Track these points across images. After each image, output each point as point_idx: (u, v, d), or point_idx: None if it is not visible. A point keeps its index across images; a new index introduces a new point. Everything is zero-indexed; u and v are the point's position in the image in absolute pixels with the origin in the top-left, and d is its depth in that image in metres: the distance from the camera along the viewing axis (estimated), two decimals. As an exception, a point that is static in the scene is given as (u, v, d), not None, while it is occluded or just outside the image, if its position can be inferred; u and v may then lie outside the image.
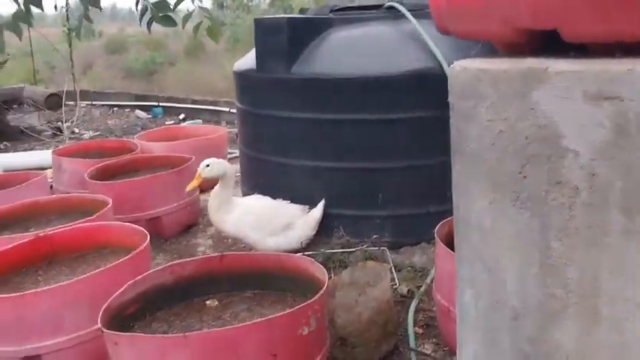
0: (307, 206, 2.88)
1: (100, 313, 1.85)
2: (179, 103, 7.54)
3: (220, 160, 2.90)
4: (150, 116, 7.47)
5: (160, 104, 7.66)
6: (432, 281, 2.68)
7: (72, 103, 6.88)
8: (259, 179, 3.12)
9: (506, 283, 0.96)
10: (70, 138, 6.13)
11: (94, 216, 2.72)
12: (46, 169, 4.84)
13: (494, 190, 0.94)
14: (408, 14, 2.81)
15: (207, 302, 2.18)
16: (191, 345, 1.66)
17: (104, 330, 1.78)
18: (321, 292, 1.86)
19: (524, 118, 0.87)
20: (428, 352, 2.23)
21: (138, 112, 7.63)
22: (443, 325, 2.28)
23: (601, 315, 0.86)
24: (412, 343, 2.25)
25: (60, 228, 2.58)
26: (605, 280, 0.85)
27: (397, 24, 2.91)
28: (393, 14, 2.97)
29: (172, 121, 7.13)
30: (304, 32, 2.82)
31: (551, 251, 0.89)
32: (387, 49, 2.77)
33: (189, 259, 2.23)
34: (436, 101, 2.73)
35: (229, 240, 3.31)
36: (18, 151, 5.85)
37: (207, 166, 2.83)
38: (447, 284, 2.20)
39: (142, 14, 1.56)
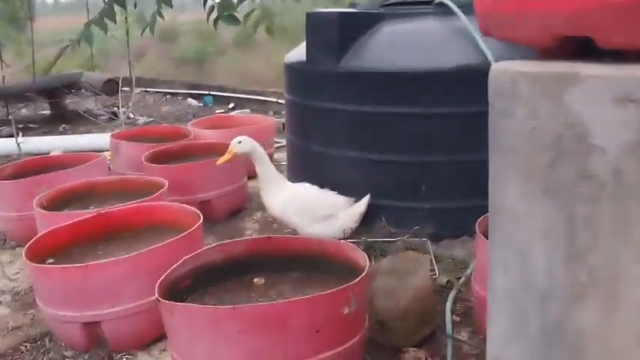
0: (353, 199, 2.95)
1: (157, 284, 2.00)
2: (229, 92, 7.73)
3: (250, 139, 3.02)
4: (201, 104, 7.69)
5: (211, 93, 7.87)
6: (471, 273, 2.75)
7: (127, 89, 7.16)
8: (306, 168, 3.23)
9: (535, 267, 1.04)
10: (125, 123, 6.39)
11: (151, 197, 2.89)
12: (103, 151, 5.09)
13: (527, 181, 1.02)
14: (458, 10, 2.87)
15: (255, 280, 2.31)
16: (240, 317, 1.79)
17: (160, 300, 1.93)
18: (362, 275, 1.96)
19: (556, 116, 0.95)
20: (464, 339, 2.31)
21: (190, 100, 7.86)
22: (479, 314, 2.36)
23: (621, 300, 0.94)
24: (449, 329, 2.34)
25: (119, 207, 2.76)
26: (626, 267, 0.92)
27: (446, 20, 2.97)
28: (442, 10, 3.03)
29: (222, 110, 7.33)
30: (354, 26, 2.91)
31: (577, 239, 0.97)
32: (436, 44, 2.84)
33: (239, 239, 2.36)
34: (483, 97, 2.80)
35: (275, 225, 3.45)
36: (77, 133, 6.14)
37: (240, 142, 2.99)
38: (486, 275, 2.27)
39: (209, 13, 1.67)
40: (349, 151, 3.00)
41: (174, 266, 2.12)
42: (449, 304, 2.50)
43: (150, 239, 2.69)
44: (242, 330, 1.80)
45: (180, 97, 8.16)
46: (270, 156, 4.66)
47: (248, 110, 7.03)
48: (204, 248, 2.27)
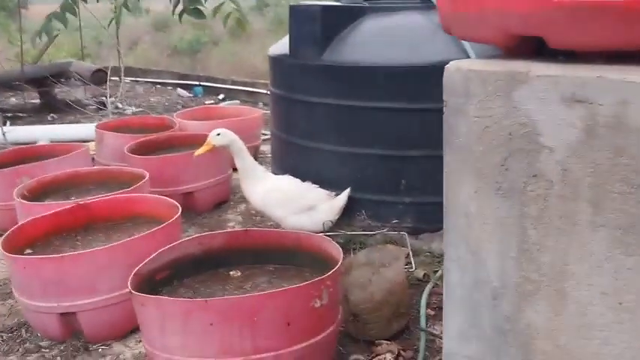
0: (334, 193, 2.96)
1: (131, 276, 2.01)
2: (219, 83, 7.70)
3: (229, 131, 3.02)
4: (191, 95, 7.66)
5: (201, 84, 7.84)
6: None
7: (116, 78, 7.13)
8: (289, 161, 3.24)
9: (488, 265, 1.05)
10: (113, 113, 6.36)
11: (131, 188, 2.89)
12: (89, 141, 5.08)
13: (479, 179, 1.03)
14: (439, 6, 2.87)
15: (231, 273, 2.32)
16: (211, 309, 1.80)
17: (132, 292, 1.93)
18: (335, 269, 1.97)
19: (507, 116, 0.96)
20: (437, 332, 2.33)
21: (179, 90, 7.83)
22: (453, 309, 2.38)
23: (568, 297, 0.95)
24: (423, 323, 2.35)
25: (97, 197, 2.76)
26: (573, 266, 0.93)
27: (429, 14, 2.96)
28: (425, 5, 3.03)
29: (212, 101, 7.30)
30: (337, 20, 2.91)
31: (527, 237, 0.98)
32: (418, 39, 2.84)
33: (216, 232, 2.37)
34: (462, 92, 2.82)
35: (258, 217, 3.45)
36: (64, 123, 6.11)
37: (218, 134, 2.99)
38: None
39: (175, 5, 1.66)
40: (331, 145, 3.00)
41: (149, 258, 2.12)
42: (424, 298, 2.52)
43: (128, 230, 2.70)
44: (214, 322, 1.81)
45: (169, 87, 8.13)
46: (257, 148, 4.68)
47: (237, 101, 7.02)
48: (180, 240, 2.28)
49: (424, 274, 2.72)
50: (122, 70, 6.27)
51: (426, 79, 2.78)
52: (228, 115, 4.71)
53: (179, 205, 2.61)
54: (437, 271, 2.74)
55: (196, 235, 2.32)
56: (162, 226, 2.41)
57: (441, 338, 2.28)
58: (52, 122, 6.17)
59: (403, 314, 2.32)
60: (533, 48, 1.04)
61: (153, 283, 2.14)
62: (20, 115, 6.41)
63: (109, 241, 2.61)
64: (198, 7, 1.58)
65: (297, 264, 2.32)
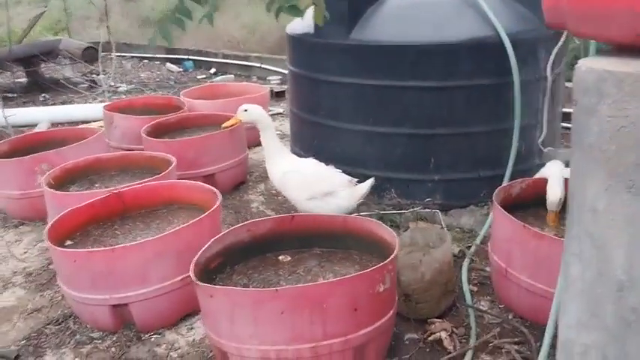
0: (355, 179, 2.85)
1: (192, 267, 2.01)
2: (210, 57, 7.59)
3: (258, 106, 2.97)
4: (181, 69, 7.54)
5: (190, 58, 7.71)
6: (481, 242, 2.83)
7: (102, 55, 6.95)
8: (313, 141, 3.23)
9: (614, 259, 1.09)
10: (103, 91, 6.24)
11: (161, 174, 2.86)
12: (90, 122, 4.99)
13: (610, 177, 1.05)
14: (467, -18, 2.86)
15: (280, 257, 2.34)
16: (282, 298, 1.82)
17: (199, 283, 1.94)
18: (394, 253, 2.00)
19: (646, 116, 0.98)
20: (484, 308, 2.39)
21: (169, 65, 7.70)
22: (498, 284, 2.44)
23: None
24: (469, 300, 2.41)
25: (132, 185, 2.73)
26: None
27: (454, -9, 2.96)
28: (449, -19, 3.01)
29: (204, 75, 7.21)
30: (360, -1, 2.88)
31: (662, 234, 1.02)
32: (445, 16, 2.84)
33: (264, 218, 2.37)
34: (492, 69, 2.85)
35: (280, 197, 3.45)
36: (57, 103, 5.97)
37: (245, 110, 2.94)
38: (504, 247, 2.34)
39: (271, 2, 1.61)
40: (358, 125, 3.00)
41: (205, 247, 2.13)
42: (464, 275, 2.58)
43: (165, 217, 2.69)
44: (284, 311, 1.83)
45: (158, 62, 7.98)
46: (265, 125, 4.64)
47: (232, 76, 6.93)
48: (231, 228, 2.28)
49: (459, 250, 2.78)
50: (113, 46, 6.12)
51: (454, 57, 2.82)
52: (235, 93, 4.67)
53: (217, 191, 2.60)
54: (470, 246, 2.80)
55: (245, 223, 2.32)
56: (207, 213, 2.40)
57: (489, 314, 2.35)
58: (45, 102, 6.03)
59: (451, 292, 2.38)
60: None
61: (208, 271, 2.15)
62: (10, 95, 6.24)
63: (148, 229, 2.60)
64: (295, 4, 1.53)
65: (343, 247, 2.34)
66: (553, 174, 2.44)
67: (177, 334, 2.34)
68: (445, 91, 2.83)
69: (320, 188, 2.79)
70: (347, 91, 2.99)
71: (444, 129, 2.88)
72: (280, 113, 5.38)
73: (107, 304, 2.26)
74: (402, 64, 2.83)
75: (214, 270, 2.19)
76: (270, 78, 6.55)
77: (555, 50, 2.95)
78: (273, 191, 3.56)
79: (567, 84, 3.45)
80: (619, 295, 1.10)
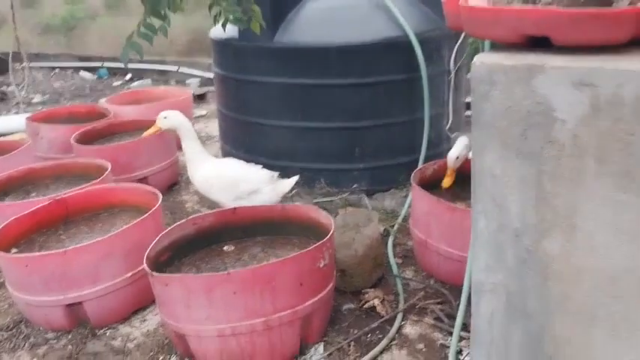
0: (277, 173, 2.94)
1: (145, 260, 2.17)
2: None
3: (177, 112, 3.07)
4: (95, 77, 7.45)
5: (104, 65, 7.64)
6: (403, 220, 3.14)
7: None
8: (245, 139, 3.42)
9: (511, 212, 1.37)
10: (17, 103, 6.09)
11: (99, 179, 2.96)
12: (6, 135, 4.90)
13: (503, 147, 1.33)
14: (376, -13, 3.16)
15: (225, 248, 2.53)
16: (234, 280, 2.02)
17: (154, 274, 2.10)
18: (331, 232, 2.24)
19: (526, 97, 1.27)
20: (409, 277, 2.69)
21: (83, 73, 7.58)
22: (420, 255, 2.74)
23: (578, 229, 1.29)
24: (395, 270, 2.70)
25: (74, 191, 2.82)
26: (582, 205, 1.27)
27: (365, -6, 3.24)
28: (360, -14, 3.30)
29: (119, 82, 7.18)
30: (284, 3, 3.09)
31: (544, 188, 1.31)
32: (360, 19, 3.11)
33: (207, 212, 2.55)
34: (404, 66, 3.16)
35: (213, 195, 3.61)
36: (-32, 117, 5.78)
37: (165, 117, 3.04)
38: (423, 221, 2.65)
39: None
40: (288, 121, 3.23)
41: (154, 241, 2.28)
42: (390, 249, 2.87)
43: (108, 220, 2.81)
44: (237, 291, 2.03)
45: (70, 71, 7.83)
46: (190, 128, 4.77)
47: (149, 81, 6.95)
48: (177, 223, 2.44)
49: (384, 229, 3.07)
50: (24, 56, 5.99)
51: (371, 56, 3.11)
52: (158, 98, 4.76)
53: (157, 192, 2.74)
54: (393, 225, 3.10)
55: (190, 217, 2.49)
56: (150, 212, 2.55)
57: (414, 281, 2.65)
58: (-46, 117, 5.81)
59: (380, 265, 2.65)
60: (531, 44, 1.35)
61: (159, 264, 2.30)
62: None
63: (93, 232, 2.71)
64: (238, 16, 1.67)
65: (283, 233, 2.56)
66: (457, 143, 2.77)
67: (130, 327, 2.48)
68: (365, 86, 3.10)
69: (244, 188, 2.85)
70: (275, 91, 3.21)
71: (366, 121, 3.16)
72: (203, 115, 5.50)
73: (61, 304, 2.36)
74: (325, 63, 3.08)
75: (164, 263, 2.35)
76: (189, 81, 6.64)
77: (456, 47, 3.30)
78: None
79: (468, 76, 3.83)
80: (516, 240, 1.39)
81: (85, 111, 4.45)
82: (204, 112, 5.58)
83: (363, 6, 3.19)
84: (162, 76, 7.11)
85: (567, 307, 1.38)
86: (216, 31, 3.55)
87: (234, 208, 2.56)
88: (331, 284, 2.28)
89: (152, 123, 3.94)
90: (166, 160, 3.72)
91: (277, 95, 3.23)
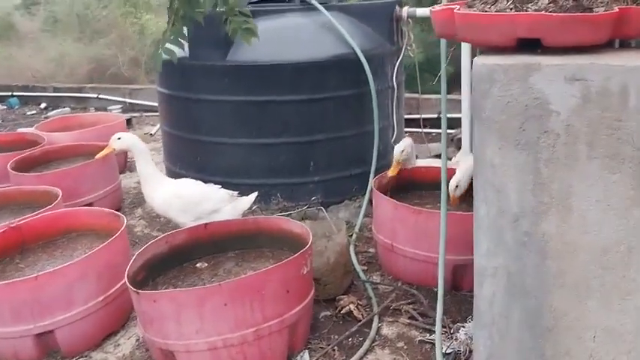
0: (236, 192, 2.97)
1: (126, 280, 2.13)
2: (37, 91, 7.22)
3: (131, 134, 3.07)
4: (5, 107, 7.07)
5: (14, 94, 7.28)
6: (360, 229, 3.25)
7: None
8: (196, 158, 3.41)
9: (510, 198, 1.51)
10: None
11: (53, 205, 2.86)
12: None
13: (502, 139, 1.48)
14: (322, 8, 3.29)
15: (198, 265, 2.51)
16: (224, 292, 2.03)
17: (140, 292, 2.07)
18: (311, 241, 2.31)
19: (524, 93, 1.42)
20: (377, 280, 2.79)
21: (-10, 104, 7.17)
22: (386, 259, 2.86)
23: (573, 209, 1.45)
24: (362, 276, 2.80)
25: (29, 217, 2.70)
26: (576, 187, 1.43)
27: (310, 15, 3.37)
28: (304, 6, 3.42)
29: (34, 111, 6.87)
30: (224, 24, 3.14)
31: (541, 174, 1.46)
32: (310, 38, 3.23)
33: (179, 230, 2.53)
34: (352, 82, 3.30)
35: (161, 219, 3.55)
36: None
37: (119, 138, 3.03)
38: (388, 226, 2.77)
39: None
40: (242, 138, 3.26)
41: (131, 261, 2.24)
42: (354, 256, 2.96)
43: (68, 245, 2.71)
44: (227, 302, 2.04)
45: (-25, 102, 7.38)
46: (125, 153, 4.67)
47: (67, 109, 6.70)
48: (151, 242, 2.40)
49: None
50: None
51: (322, 73, 3.24)
52: (90, 124, 4.62)
53: (119, 213, 2.69)
54: (351, 235, 3.20)
55: (163, 235, 2.47)
56: (119, 232, 2.49)
57: (382, 284, 2.75)
58: None
59: (349, 272, 2.74)
60: (520, 47, 1.51)
61: (135, 284, 2.25)
62: None
63: (54, 258, 2.61)
64: (250, 27, 1.68)
65: (255, 246, 2.59)
66: (402, 140, 3.06)
67: (104, 352, 2.40)
68: (317, 102, 3.21)
69: (205, 208, 2.85)
70: (228, 109, 3.24)
71: (319, 135, 3.26)
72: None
73: (31, 334, 2.25)
74: (277, 80, 3.16)
75: (140, 283, 2.30)
76: (110, 108, 6.46)
77: (397, 63, 3.50)
78: (153, 214, 3.64)
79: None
80: (515, 224, 1.53)
81: (12, 139, 4.24)
82: (133, 138, 5.46)
83: (310, 25, 3.31)
84: (81, 104, 6.88)
85: (564, 282, 1.53)
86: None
87: (206, 224, 2.56)
88: (312, 291, 2.34)
89: (91, 148, 3.88)
90: (110, 184, 3.63)
91: (230, 113, 3.26)
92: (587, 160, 1.42)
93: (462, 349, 2.22)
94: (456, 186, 2.75)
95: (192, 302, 2.02)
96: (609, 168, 1.40)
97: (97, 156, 3.16)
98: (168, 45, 1.96)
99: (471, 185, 2.92)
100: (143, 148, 2.98)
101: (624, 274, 1.47)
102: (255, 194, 2.97)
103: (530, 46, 1.48)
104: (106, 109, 6.51)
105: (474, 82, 1.48)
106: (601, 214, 1.44)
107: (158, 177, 2.96)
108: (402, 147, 2.99)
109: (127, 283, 2.11)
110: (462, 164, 3.04)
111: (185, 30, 2.00)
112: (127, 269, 2.19)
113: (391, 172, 2.95)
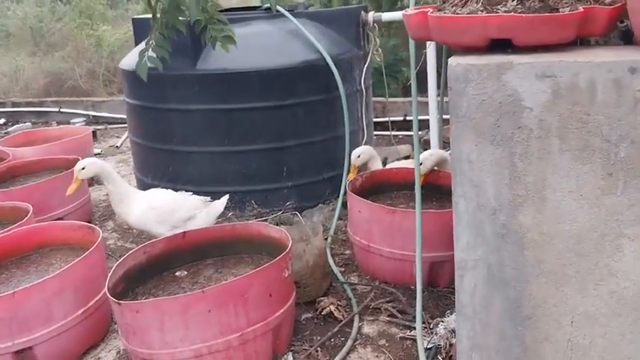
0: (208, 197, 3.00)
1: (108, 292, 2.11)
2: (-6, 107, 7.05)
3: (93, 159, 3.01)
4: (-39, 123, 6.88)
5: (-30, 110, 7.07)
6: (335, 232, 3.29)
7: None
8: (168, 168, 3.40)
9: (487, 193, 1.57)
10: None
11: (24, 220, 2.81)
12: None
13: (478, 136, 1.54)
14: (289, 15, 3.33)
15: (177, 273, 2.51)
16: (209, 297, 2.03)
17: (122, 303, 2.06)
18: (290, 244, 2.33)
19: (497, 91, 1.48)
20: (355, 282, 2.83)
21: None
22: (363, 260, 2.90)
23: (548, 200, 1.52)
24: (341, 278, 2.83)
25: (0, 233, 2.64)
26: (550, 179, 1.50)
27: (277, 23, 3.41)
28: (270, 14, 3.46)
29: (-7, 127, 6.70)
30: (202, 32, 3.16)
31: (516, 168, 1.52)
32: (278, 45, 3.26)
33: (157, 239, 2.52)
34: (322, 87, 3.34)
35: (134, 230, 3.53)
36: None
37: (83, 168, 2.93)
38: (364, 227, 2.82)
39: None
40: (214, 146, 3.26)
41: (110, 273, 2.23)
42: (331, 259, 2.99)
43: (42, 260, 2.67)
44: (211, 309, 2.04)
45: None
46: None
47: (29, 124, 6.56)
48: (129, 252, 2.39)
49: (319, 243, 3.19)
50: None
51: (291, 79, 3.27)
52: (55, 137, 4.55)
53: (94, 226, 2.67)
54: (327, 238, 3.23)
55: (140, 246, 2.45)
56: (96, 244, 2.47)
57: (360, 284, 2.80)
58: None
59: (328, 274, 2.78)
60: (487, 47, 1.57)
61: (115, 295, 2.24)
62: None
63: (28, 274, 2.56)
64: (229, 34, 1.68)
65: (234, 252, 2.60)
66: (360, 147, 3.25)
67: (84, 367, 2.37)
68: (288, 108, 3.24)
69: (179, 216, 2.87)
70: (199, 117, 3.24)
71: (291, 141, 3.29)
72: (99, 154, 5.32)
73: (9, 351, 2.20)
74: (247, 87, 3.18)
75: (120, 294, 2.28)
76: (73, 121, 6.35)
77: (365, 67, 3.57)
78: (125, 226, 3.61)
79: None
80: (493, 217, 1.59)
81: (-25, 155, 4.14)
82: (98, 151, 5.39)
83: (278, 33, 3.34)
84: (42, 118, 6.74)
85: (541, 271, 1.59)
86: (128, 62, 3.52)
87: (184, 232, 2.56)
88: (294, 294, 2.36)
89: (58, 162, 3.83)
90: (80, 198, 3.58)
91: (201, 122, 3.27)
92: (560, 153, 1.49)
93: (442, 343, 2.28)
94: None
95: (176, 310, 2.02)
96: (580, 160, 1.47)
97: (68, 192, 2.99)
98: (151, 54, 1.96)
99: (437, 172, 3.03)
100: (110, 170, 2.93)
101: (598, 260, 1.54)
102: (226, 197, 2.99)
103: (501, 46, 1.55)
104: (68, 123, 6.39)
105: (450, 81, 1.54)
106: (574, 204, 1.51)
107: (131, 193, 2.93)
108: (359, 152, 3.16)
109: (108, 294, 2.10)
110: (426, 152, 3.11)
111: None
112: (107, 281, 2.18)
113: (350, 177, 3.12)
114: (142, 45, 2.27)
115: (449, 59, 1.54)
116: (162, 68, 3.06)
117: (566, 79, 1.43)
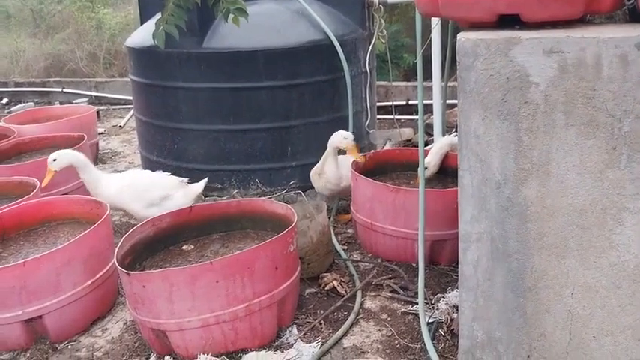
0: (186, 179, 3.04)
1: (117, 264, 2.15)
2: (-2, 86, 7.07)
3: (66, 150, 3.02)
4: (-37, 102, 6.90)
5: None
6: (337, 213, 3.33)
7: None
8: (173, 146, 3.43)
9: (492, 166, 1.61)
10: None
11: (31, 194, 2.85)
12: None
13: (485, 110, 1.57)
14: (296, -6, 3.36)
15: (184, 247, 2.55)
16: (216, 269, 2.08)
17: (131, 273, 2.10)
18: (296, 219, 2.37)
19: (505, 66, 1.51)
20: (357, 259, 2.88)
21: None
22: (365, 238, 2.94)
23: (552, 174, 1.55)
24: (344, 255, 2.88)
25: (8, 207, 2.68)
26: (554, 153, 1.53)
27: (283, 2, 3.42)
28: (276, -6, 3.48)
29: (-5, 107, 6.72)
30: (210, 10, 3.17)
31: (522, 142, 1.56)
32: (284, 24, 3.28)
33: (165, 213, 2.55)
34: (327, 67, 3.37)
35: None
36: None
37: (55, 160, 2.94)
38: (367, 206, 2.86)
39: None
40: (219, 125, 3.29)
41: (119, 245, 2.27)
42: (334, 237, 3.04)
43: (49, 233, 2.71)
44: (219, 279, 2.09)
45: None
46: (97, 145, 4.65)
47: (31, 104, 6.58)
48: (137, 226, 2.43)
49: (323, 222, 3.23)
50: None
51: (297, 59, 3.29)
52: (60, 116, 4.57)
53: (101, 200, 2.71)
54: (330, 217, 3.27)
55: (148, 219, 2.49)
56: (103, 217, 2.51)
57: (362, 262, 2.84)
58: None
59: (331, 251, 2.82)
60: (499, 22, 1.60)
61: (124, 267, 2.28)
62: None
63: (36, 246, 2.60)
64: (241, 6, 1.69)
65: (239, 228, 2.64)
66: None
67: (92, 337, 2.41)
68: (293, 88, 3.27)
69: (155, 195, 2.93)
70: (205, 95, 3.27)
71: (296, 121, 3.32)
72: (102, 133, 5.35)
73: (19, 320, 2.25)
74: (253, 67, 3.20)
75: (128, 266, 2.33)
76: (76, 101, 6.38)
77: (369, 49, 3.58)
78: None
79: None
80: (498, 191, 1.63)
81: (-18, 132, 4.17)
82: (102, 130, 5.42)
83: (284, 12, 3.36)
84: (45, 98, 6.76)
85: (544, 243, 1.63)
86: (136, 40, 3.53)
87: (191, 207, 2.60)
88: (299, 268, 2.40)
89: (62, 139, 3.86)
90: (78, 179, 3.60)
91: (207, 100, 3.29)
92: (565, 128, 1.52)
93: (443, 318, 2.33)
94: (426, 168, 2.86)
95: (185, 280, 2.07)
96: (585, 134, 1.51)
97: (43, 185, 2.96)
98: (167, 25, 1.98)
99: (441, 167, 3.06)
100: (82, 159, 2.96)
101: (599, 233, 1.58)
102: (205, 180, 3.03)
103: (509, 22, 1.58)
104: (70, 103, 6.42)
105: (459, 56, 1.57)
106: (578, 178, 1.55)
107: (106, 177, 3.00)
108: (346, 134, 3.04)
109: (117, 265, 2.14)
110: (434, 148, 3.15)
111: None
112: (115, 253, 2.22)
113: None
114: (158, 16, 2.28)
115: (458, 35, 1.57)
116: (169, 46, 3.11)
117: (573, 55, 1.47)
